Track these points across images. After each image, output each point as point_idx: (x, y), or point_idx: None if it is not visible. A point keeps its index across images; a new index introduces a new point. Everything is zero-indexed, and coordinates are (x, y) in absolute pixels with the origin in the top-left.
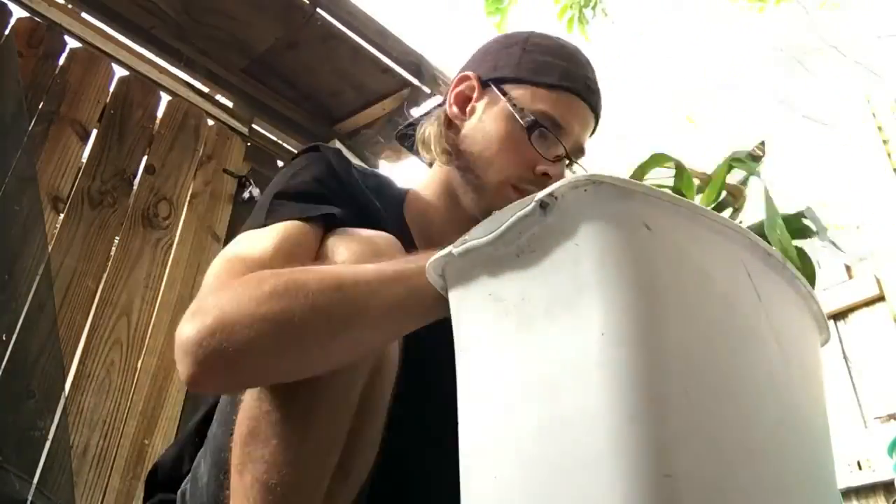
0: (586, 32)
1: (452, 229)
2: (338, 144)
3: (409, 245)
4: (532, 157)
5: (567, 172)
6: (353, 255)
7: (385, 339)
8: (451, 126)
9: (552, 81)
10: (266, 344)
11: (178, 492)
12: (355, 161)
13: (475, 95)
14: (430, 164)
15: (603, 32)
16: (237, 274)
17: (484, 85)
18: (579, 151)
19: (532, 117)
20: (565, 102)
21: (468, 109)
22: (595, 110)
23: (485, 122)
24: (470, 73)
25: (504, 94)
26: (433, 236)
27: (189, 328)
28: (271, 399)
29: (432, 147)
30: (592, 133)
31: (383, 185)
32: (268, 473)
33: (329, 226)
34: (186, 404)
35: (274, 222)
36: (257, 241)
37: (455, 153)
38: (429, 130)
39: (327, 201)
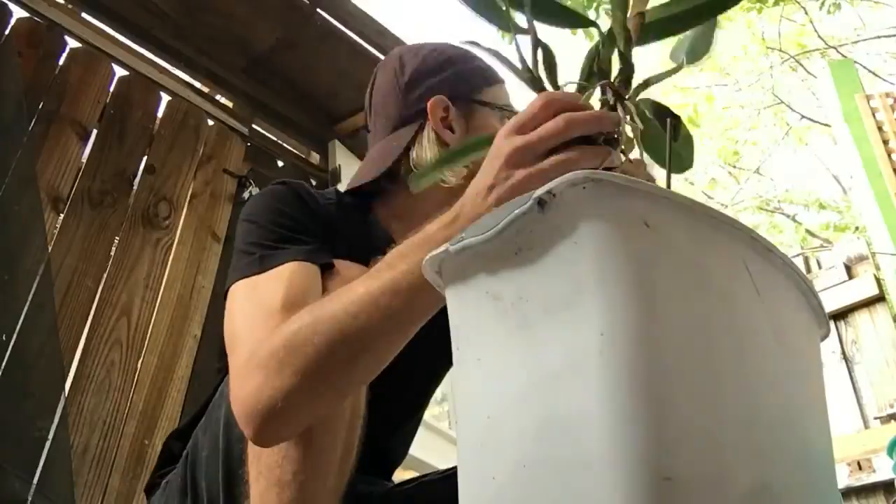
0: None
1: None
2: (338, 145)
3: None
4: None
5: None
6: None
7: (400, 345)
8: (445, 145)
9: (493, 79)
10: (302, 397)
11: (177, 467)
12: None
13: (451, 115)
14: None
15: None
16: (265, 326)
17: (454, 100)
18: None
19: (507, 109)
20: (503, 91)
21: (454, 128)
22: None
23: (474, 131)
24: (439, 98)
25: (484, 103)
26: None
27: (243, 396)
28: None
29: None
30: None
31: (347, 207)
32: (282, 476)
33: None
34: (186, 404)
35: (272, 267)
36: (271, 289)
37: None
38: (427, 155)
39: (309, 240)
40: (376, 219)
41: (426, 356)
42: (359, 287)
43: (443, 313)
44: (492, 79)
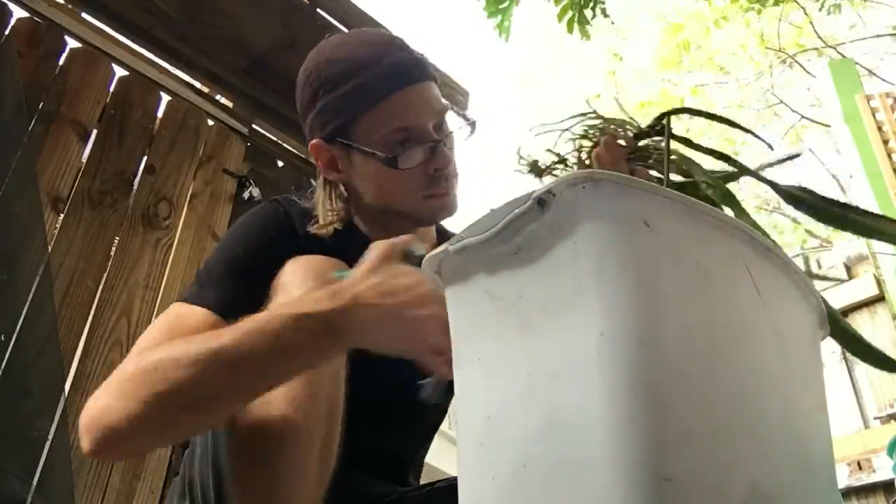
0: (587, 32)
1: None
2: None
3: None
4: (417, 168)
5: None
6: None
7: (275, 385)
8: (336, 187)
9: (370, 102)
10: (142, 426)
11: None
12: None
13: (335, 154)
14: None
15: (602, 30)
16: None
17: (330, 141)
18: (440, 118)
19: (382, 153)
20: (393, 107)
21: (340, 168)
22: (419, 75)
23: (360, 173)
24: (315, 142)
25: (350, 145)
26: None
27: (91, 411)
28: (254, 431)
29: (331, 211)
30: (436, 80)
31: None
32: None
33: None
34: None
35: (194, 304)
36: (171, 322)
37: (360, 203)
38: (319, 200)
39: (249, 283)
40: (356, 224)
41: None
42: (221, 336)
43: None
44: (366, 104)
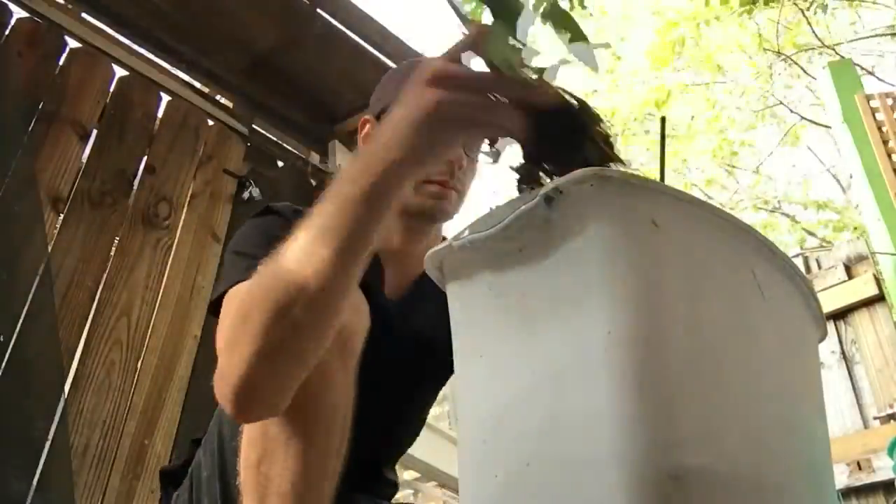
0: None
1: (400, 238)
2: (338, 145)
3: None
4: None
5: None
6: None
7: (338, 294)
8: None
9: None
10: (265, 363)
11: (177, 491)
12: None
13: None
14: None
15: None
16: None
17: (377, 116)
18: None
19: None
20: None
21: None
22: None
23: None
24: (367, 116)
25: None
26: (391, 249)
27: (216, 378)
28: (274, 424)
29: None
30: None
31: None
32: (281, 487)
33: None
34: (186, 404)
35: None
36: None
37: None
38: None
39: None
40: None
41: (419, 369)
42: (290, 242)
43: (443, 327)
44: None
